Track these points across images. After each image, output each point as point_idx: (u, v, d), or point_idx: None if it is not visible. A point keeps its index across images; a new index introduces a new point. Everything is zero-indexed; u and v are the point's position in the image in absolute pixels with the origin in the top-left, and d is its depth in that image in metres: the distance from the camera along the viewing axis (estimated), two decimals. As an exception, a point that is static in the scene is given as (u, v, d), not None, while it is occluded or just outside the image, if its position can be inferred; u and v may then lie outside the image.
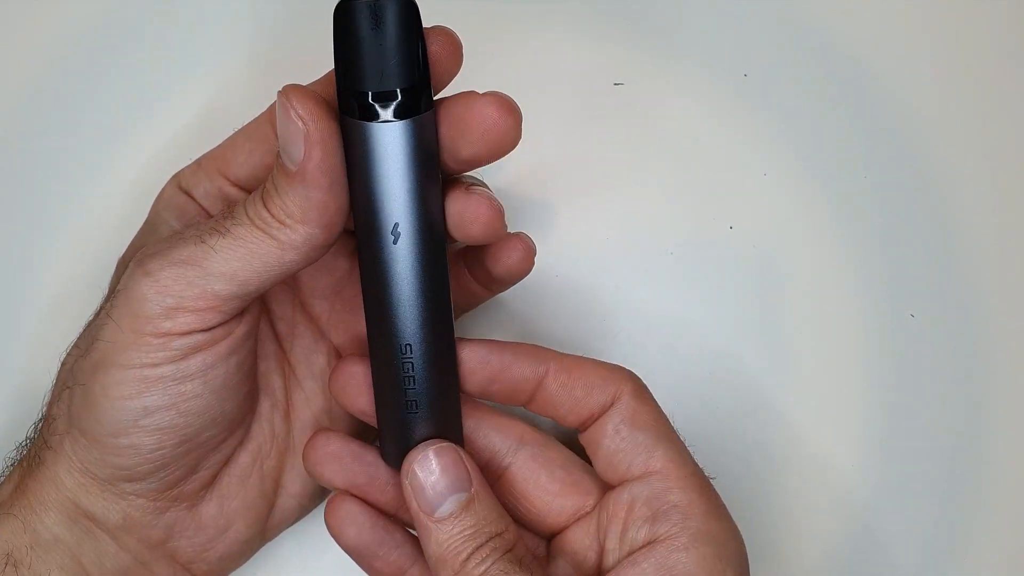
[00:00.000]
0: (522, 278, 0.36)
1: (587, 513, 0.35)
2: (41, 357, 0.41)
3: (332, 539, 0.41)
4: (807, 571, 0.40)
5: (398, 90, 0.29)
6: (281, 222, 0.30)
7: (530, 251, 0.35)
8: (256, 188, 0.32)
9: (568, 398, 0.34)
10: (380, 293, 0.31)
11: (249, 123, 0.35)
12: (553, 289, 0.42)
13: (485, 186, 0.33)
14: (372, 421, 0.35)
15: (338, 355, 0.38)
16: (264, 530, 0.37)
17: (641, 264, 0.42)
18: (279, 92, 0.30)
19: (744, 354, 0.41)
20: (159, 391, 0.31)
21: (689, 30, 0.43)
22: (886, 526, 0.41)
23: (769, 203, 0.42)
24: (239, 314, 0.32)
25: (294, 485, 0.37)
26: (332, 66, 0.30)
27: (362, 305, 0.33)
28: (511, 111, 0.30)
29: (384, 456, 0.35)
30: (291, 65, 0.42)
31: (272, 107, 0.34)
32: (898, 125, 0.43)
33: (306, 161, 0.29)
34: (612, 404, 0.34)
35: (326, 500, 0.35)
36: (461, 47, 0.30)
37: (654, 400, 0.35)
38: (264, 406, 0.36)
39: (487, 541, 0.32)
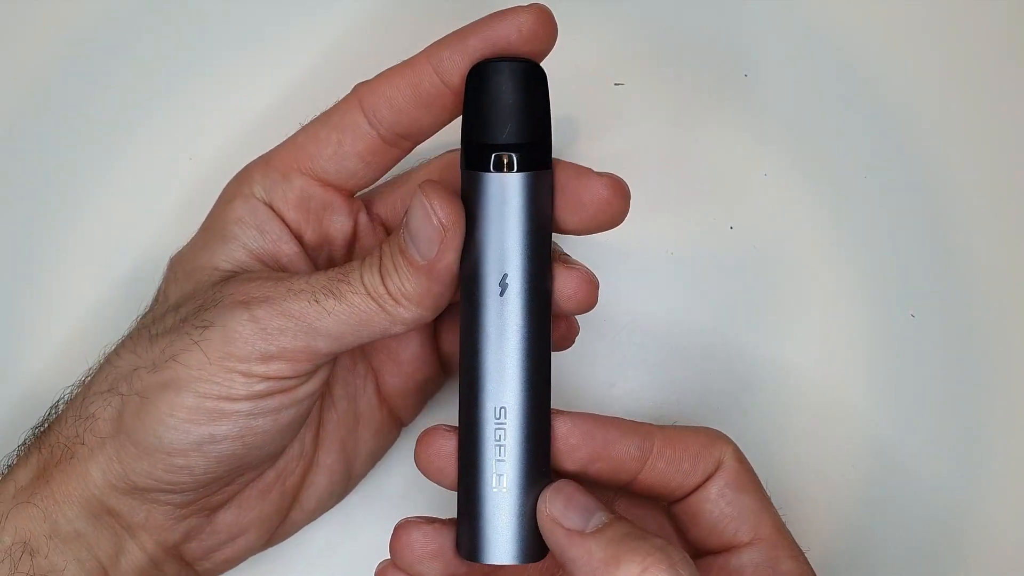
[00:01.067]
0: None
1: None
2: (42, 356, 0.41)
3: (334, 545, 0.41)
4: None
5: (524, 144, 0.31)
6: (396, 300, 0.31)
7: (573, 332, 0.36)
8: (347, 187, 0.35)
9: (676, 473, 0.33)
10: (479, 346, 0.32)
11: (328, 112, 0.34)
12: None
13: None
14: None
15: (375, 379, 0.38)
16: (270, 539, 0.37)
17: (641, 264, 0.42)
18: (419, 187, 0.31)
19: (744, 354, 0.41)
20: (231, 423, 0.32)
21: (689, 30, 0.43)
22: (886, 525, 0.41)
23: (769, 203, 0.42)
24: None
25: (309, 502, 0.37)
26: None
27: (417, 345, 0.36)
28: (624, 195, 0.32)
29: (458, 541, 0.33)
30: (299, 61, 0.42)
31: (354, 93, 0.34)
32: (899, 125, 0.43)
33: (437, 261, 0.31)
34: (715, 470, 0.33)
35: (376, 568, 0.34)
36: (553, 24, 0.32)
37: (749, 461, 0.34)
38: None
39: (666, 544, 0.29)
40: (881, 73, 0.42)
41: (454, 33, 0.32)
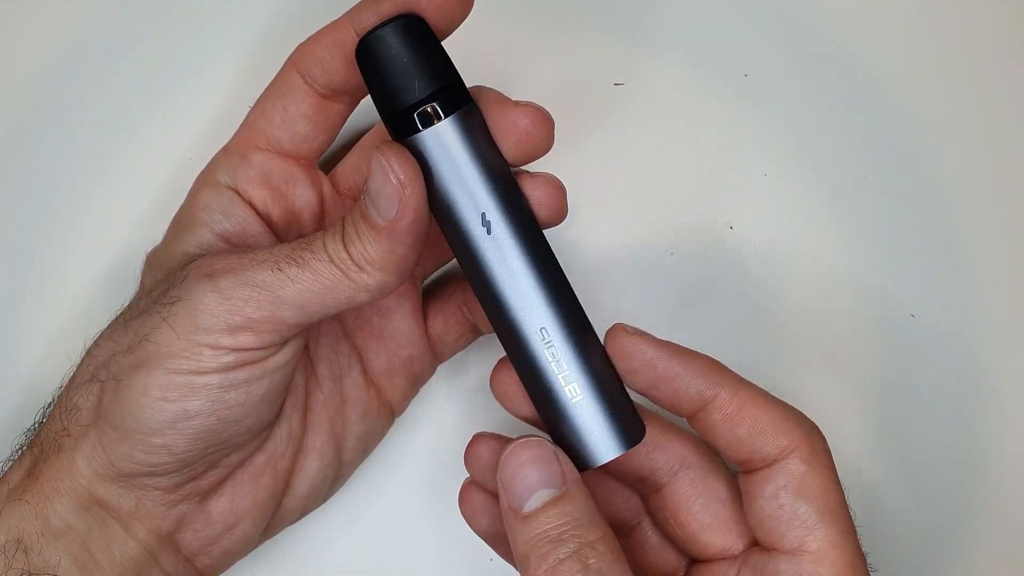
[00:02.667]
0: None
1: (734, 556, 0.34)
2: (41, 358, 0.41)
3: (331, 541, 0.41)
4: None
5: (439, 89, 0.31)
6: (360, 266, 0.31)
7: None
8: (302, 152, 0.35)
9: (728, 434, 0.32)
10: (495, 286, 0.32)
11: (270, 85, 0.35)
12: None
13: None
14: (539, 426, 0.34)
15: (360, 358, 0.38)
16: (266, 529, 0.37)
17: (641, 264, 0.42)
18: (376, 149, 0.31)
19: (743, 355, 0.41)
20: (203, 397, 0.32)
21: (689, 30, 0.43)
22: (887, 527, 0.41)
23: (769, 203, 0.42)
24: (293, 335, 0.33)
25: (302, 487, 0.37)
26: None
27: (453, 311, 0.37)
28: (544, 122, 0.32)
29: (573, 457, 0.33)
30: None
31: (290, 59, 0.34)
32: (899, 125, 0.43)
33: (397, 220, 0.31)
34: (778, 460, 0.32)
35: (460, 490, 0.35)
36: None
37: (830, 465, 0.32)
38: (285, 407, 0.36)
39: (577, 549, 0.30)
40: (881, 72, 0.43)
41: None
